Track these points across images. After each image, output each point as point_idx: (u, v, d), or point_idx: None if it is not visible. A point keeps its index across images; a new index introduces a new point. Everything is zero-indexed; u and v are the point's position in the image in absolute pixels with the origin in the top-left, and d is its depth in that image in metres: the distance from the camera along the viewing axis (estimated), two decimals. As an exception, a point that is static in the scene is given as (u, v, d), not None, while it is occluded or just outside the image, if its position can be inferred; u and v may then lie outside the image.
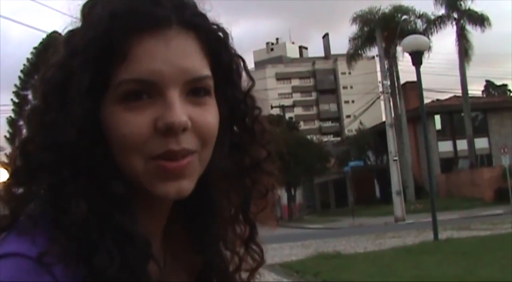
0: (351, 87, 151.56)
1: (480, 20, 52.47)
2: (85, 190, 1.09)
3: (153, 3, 1.13)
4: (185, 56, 1.14)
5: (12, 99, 71.56)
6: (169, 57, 1.11)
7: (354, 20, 54.62)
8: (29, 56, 66.73)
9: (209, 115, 1.17)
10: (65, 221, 1.06)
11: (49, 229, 1.06)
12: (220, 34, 1.25)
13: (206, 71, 1.17)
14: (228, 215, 1.36)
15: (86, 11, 1.18)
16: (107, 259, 1.05)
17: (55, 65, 1.16)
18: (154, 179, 1.12)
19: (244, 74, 1.32)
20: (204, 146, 1.16)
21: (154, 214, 1.22)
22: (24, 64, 68.28)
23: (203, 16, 1.21)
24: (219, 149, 1.24)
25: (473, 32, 53.63)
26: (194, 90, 1.15)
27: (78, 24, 1.20)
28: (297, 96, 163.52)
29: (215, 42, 1.22)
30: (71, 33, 1.18)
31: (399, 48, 48.00)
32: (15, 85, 69.61)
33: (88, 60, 1.11)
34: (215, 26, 1.24)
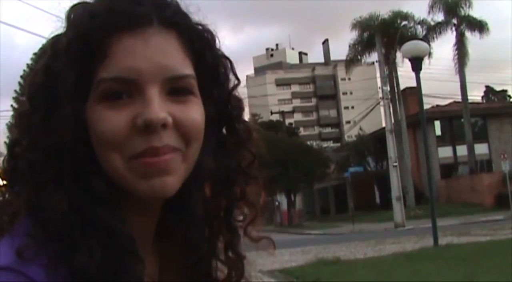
0: (351, 93, 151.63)
1: (479, 26, 52.55)
2: (66, 188, 1.09)
3: (133, 2, 1.14)
4: (165, 54, 1.14)
5: (12, 105, 71.63)
6: (148, 54, 1.12)
7: (354, 26, 54.69)
8: (29, 62, 66.94)
9: (192, 112, 1.16)
10: (44, 219, 1.07)
11: (29, 230, 1.06)
12: (205, 34, 1.25)
13: (187, 70, 1.17)
14: (214, 220, 1.34)
15: (69, 15, 1.19)
16: (87, 256, 1.05)
17: (40, 69, 1.17)
18: (137, 177, 1.11)
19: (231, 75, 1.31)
20: (188, 144, 1.16)
21: (143, 215, 1.21)
22: (24, 70, 68.40)
23: (185, 15, 1.21)
24: (205, 149, 1.23)
25: (473, 39, 53.79)
26: (175, 90, 1.15)
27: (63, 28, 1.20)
28: (296, 102, 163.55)
29: (198, 41, 1.22)
30: (57, 37, 1.18)
31: (399, 54, 48.10)
32: (15, 91, 69.70)
33: (70, 60, 1.12)
34: (199, 26, 1.24)
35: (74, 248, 1.05)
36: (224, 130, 1.32)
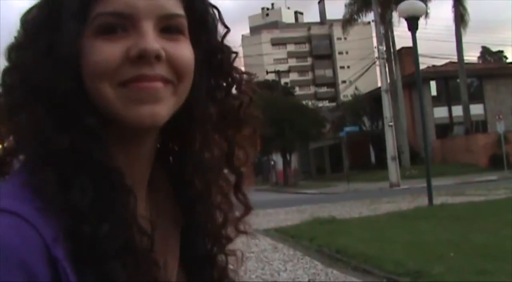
0: (347, 52, 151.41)
1: (477, -15, 52.26)
2: (58, 123, 1.11)
3: None
4: None
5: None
6: None
7: (350, -15, 54.39)
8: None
9: (183, 48, 1.19)
10: (38, 157, 1.09)
11: (25, 173, 1.08)
12: None
13: (179, 10, 1.20)
14: (212, 167, 1.36)
15: None
16: (80, 192, 1.06)
17: (37, 6, 1.20)
18: (127, 104, 1.13)
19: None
20: (180, 79, 1.18)
21: (134, 156, 1.23)
22: (18, 31, 68.07)
23: None
24: (196, 93, 1.25)
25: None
26: (167, 28, 1.18)
27: None
28: (292, 62, 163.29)
29: None
30: None
31: (395, 14, 47.83)
32: (9, 50, 69.69)
33: None
34: None
35: (67, 186, 1.06)
36: (215, 76, 1.34)
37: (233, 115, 1.35)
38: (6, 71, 1.19)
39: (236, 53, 1.36)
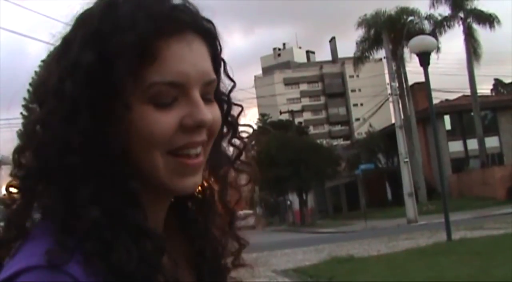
0: (360, 90, 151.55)
1: (488, 19, 52.27)
2: (97, 192, 1.11)
3: (176, 9, 1.19)
4: (204, 59, 1.21)
5: (21, 113, 71.99)
6: (193, 60, 1.17)
7: (360, 24, 54.66)
8: (37, 69, 67.26)
9: (216, 110, 1.24)
10: (76, 227, 1.08)
11: (56, 236, 1.07)
12: (218, 40, 1.30)
13: (214, 74, 1.24)
14: (211, 205, 1.42)
15: (107, 10, 1.17)
16: (125, 255, 1.07)
17: (72, 74, 1.15)
18: (174, 174, 1.17)
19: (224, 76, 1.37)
20: (210, 138, 1.23)
21: (158, 209, 1.26)
22: (32, 77, 68.65)
23: (211, 23, 1.26)
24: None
25: (482, 31, 53.46)
26: (205, 92, 1.21)
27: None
28: (305, 101, 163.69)
29: (216, 47, 1.28)
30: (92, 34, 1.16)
31: (406, 50, 48.00)
32: (24, 98, 69.93)
33: (127, 63, 1.12)
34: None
35: (109, 248, 1.07)
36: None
37: (231, 159, 1.42)
38: (43, 138, 1.18)
39: (241, 106, 1.41)
